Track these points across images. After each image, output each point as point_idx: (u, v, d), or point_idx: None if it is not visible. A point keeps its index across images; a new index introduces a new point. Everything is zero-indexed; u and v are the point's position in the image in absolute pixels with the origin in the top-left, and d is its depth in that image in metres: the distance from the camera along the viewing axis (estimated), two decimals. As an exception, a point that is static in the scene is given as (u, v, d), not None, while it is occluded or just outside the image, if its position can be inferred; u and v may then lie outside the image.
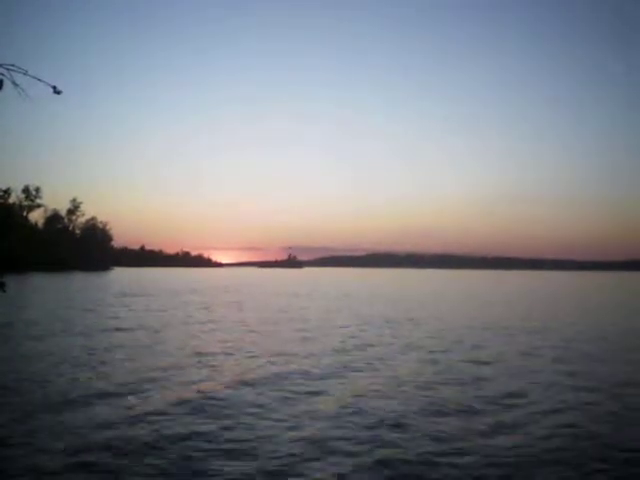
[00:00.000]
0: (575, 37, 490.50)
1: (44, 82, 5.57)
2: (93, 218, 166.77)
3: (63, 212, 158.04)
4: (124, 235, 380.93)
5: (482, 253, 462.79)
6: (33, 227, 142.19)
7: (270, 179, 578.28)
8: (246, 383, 13.65)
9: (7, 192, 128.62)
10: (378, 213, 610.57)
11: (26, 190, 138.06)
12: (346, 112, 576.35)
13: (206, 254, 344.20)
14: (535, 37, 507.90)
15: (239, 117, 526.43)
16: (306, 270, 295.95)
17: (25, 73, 5.40)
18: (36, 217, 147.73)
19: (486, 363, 17.06)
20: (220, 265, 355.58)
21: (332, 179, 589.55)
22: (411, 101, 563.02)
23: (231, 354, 18.11)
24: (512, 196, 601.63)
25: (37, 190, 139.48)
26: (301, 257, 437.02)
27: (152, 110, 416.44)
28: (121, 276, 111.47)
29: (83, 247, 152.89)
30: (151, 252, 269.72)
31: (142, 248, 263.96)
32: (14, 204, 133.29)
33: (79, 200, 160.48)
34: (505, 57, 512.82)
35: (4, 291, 7.64)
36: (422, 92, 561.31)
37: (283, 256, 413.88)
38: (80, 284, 73.32)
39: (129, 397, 12.04)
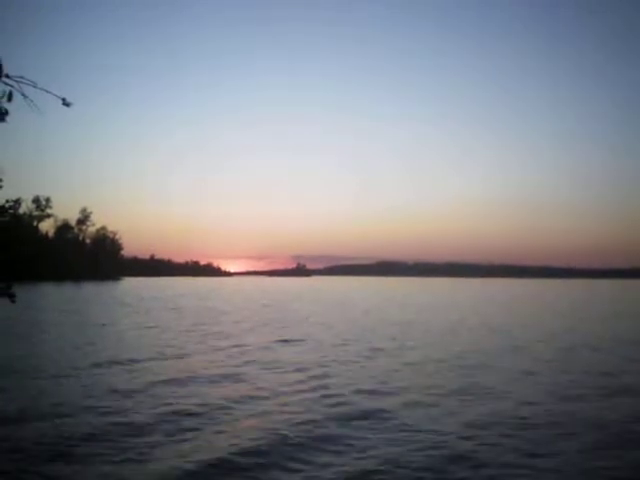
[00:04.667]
0: (575, 37, 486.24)
1: (53, 94, 5.57)
2: (103, 228, 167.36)
3: (73, 222, 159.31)
4: (133, 245, 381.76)
5: (489, 261, 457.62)
6: (43, 237, 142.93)
7: (278, 187, 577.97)
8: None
9: (17, 202, 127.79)
10: (385, 220, 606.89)
11: (36, 200, 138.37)
12: (353, 118, 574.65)
13: (215, 263, 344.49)
14: (535, 38, 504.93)
15: (245, 125, 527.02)
16: (315, 279, 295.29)
17: (34, 85, 5.40)
18: (46, 227, 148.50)
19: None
20: (229, 274, 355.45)
21: (339, 186, 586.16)
22: (417, 106, 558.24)
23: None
24: (515, 201, 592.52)
25: (47, 200, 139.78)
26: (309, 265, 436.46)
27: (158, 118, 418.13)
28: (137, 286, 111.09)
29: (93, 257, 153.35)
30: (160, 262, 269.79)
31: (151, 258, 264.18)
32: (24, 214, 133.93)
33: (89, 210, 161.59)
34: (506, 58, 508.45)
35: (13, 302, 7.64)
36: (427, 95, 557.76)
37: (292, 265, 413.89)
38: (100, 295, 73.25)
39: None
